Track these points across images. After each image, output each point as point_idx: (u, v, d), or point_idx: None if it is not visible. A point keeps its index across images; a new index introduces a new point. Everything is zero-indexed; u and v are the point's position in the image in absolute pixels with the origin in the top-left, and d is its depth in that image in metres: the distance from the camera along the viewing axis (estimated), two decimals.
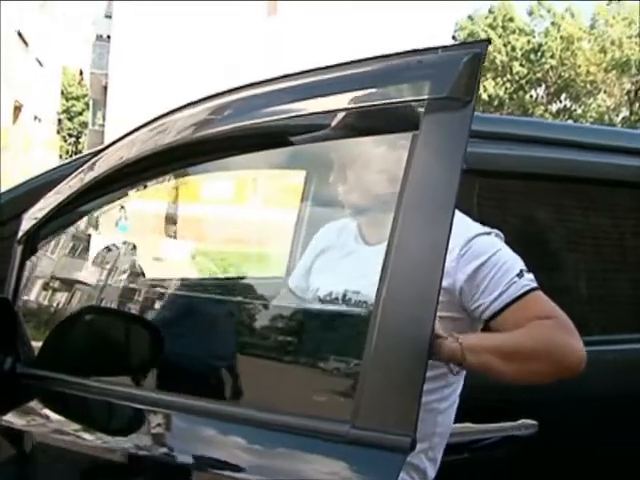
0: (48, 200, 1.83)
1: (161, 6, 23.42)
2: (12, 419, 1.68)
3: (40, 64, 28.01)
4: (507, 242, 1.64)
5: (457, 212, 1.32)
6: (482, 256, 1.56)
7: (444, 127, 1.23)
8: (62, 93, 40.21)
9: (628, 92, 34.76)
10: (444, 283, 1.26)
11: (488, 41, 1.20)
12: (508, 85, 36.05)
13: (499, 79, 35.68)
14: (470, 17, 37.16)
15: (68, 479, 1.63)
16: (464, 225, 1.60)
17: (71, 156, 29.47)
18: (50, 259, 2.07)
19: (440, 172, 1.23)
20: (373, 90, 1.34)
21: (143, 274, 2.42)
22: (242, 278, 3.30)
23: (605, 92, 35.05)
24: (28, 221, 1.84)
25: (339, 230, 1.83)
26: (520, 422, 2.05)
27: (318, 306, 1.70)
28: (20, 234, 1.84)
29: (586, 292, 2.39)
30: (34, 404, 1.76)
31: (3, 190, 2.20)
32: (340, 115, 1.58)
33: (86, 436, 1.62)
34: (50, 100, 31.70)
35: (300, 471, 1.25)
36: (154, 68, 23.64)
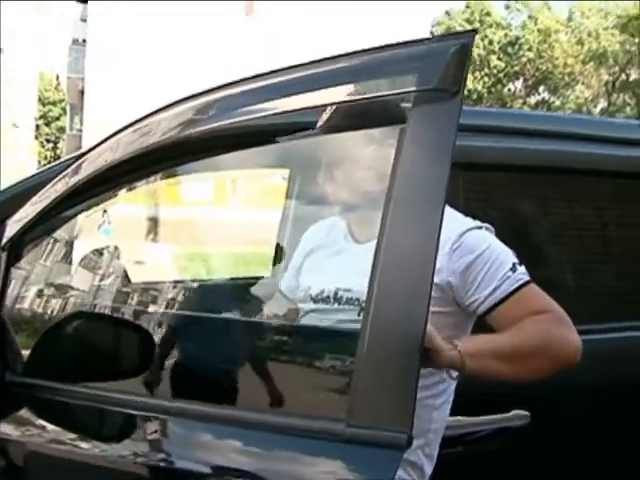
0: (32, 205, 1.81)
1: (136, 8, 23.30)
2: (2, 428, 1.66)
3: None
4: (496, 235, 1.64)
5: (447, 207, 1.31)
6: (475, 251, 1.56)
7: (432, 119, 1.22)
8: (39, 99, 39.90)
9: (606, 83, 35.00)
10: (436, 279, 1.26)
11: (475, 31, 1.19)
12: (486, 79, 36.18)
13: (477, 73, 35.76)
14: (447, 12, 37.23)
15: None
16: (455, 220, 1.60)
17: (50, 162, 29.23)
18: (36, 265, 2.04)
19: (429, 165, 1.21)
20: (359, 84, 1.33)
21: (129, 278, 2.40)
22: (235, 279, 3.28)
23: (583, 84, 35.28)
24: (12, 227, 1.82)
25: (328, 229, 1.81)
26: (512, 413, 2.05)
27: (311, 306, 1.69)
28: (4, 240, 1.81)
29: (572, 283, 2.39)
30: (24, 412, 1.74)
31: None
32: (326, 110, 1.57)
33: (78, 444, 1.61)
34: (27, 105, 31.42)
35: (296, 472, 1.24)
36: (131, 71, 23.52)
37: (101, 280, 2.31)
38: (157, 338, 1.79)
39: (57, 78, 43.35)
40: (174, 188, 3.45)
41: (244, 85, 1.48)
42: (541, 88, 37.08)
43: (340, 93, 1.36)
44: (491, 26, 36.09)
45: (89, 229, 2.44)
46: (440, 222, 1.17)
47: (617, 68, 34.34)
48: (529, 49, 35.52)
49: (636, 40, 32.70)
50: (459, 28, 34.52)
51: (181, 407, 1.41)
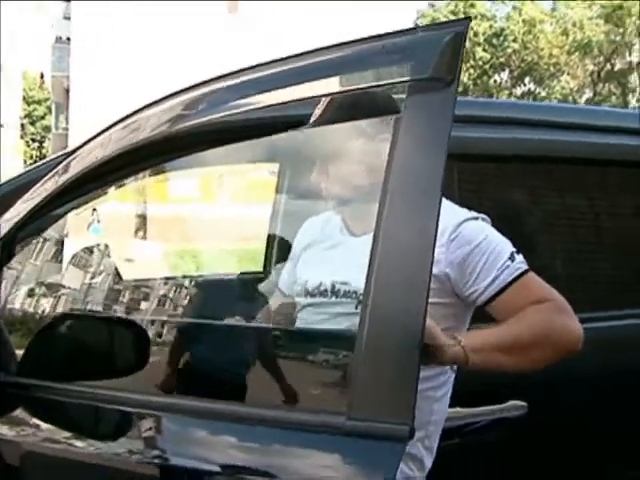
0: (23, 204, 1.79)
1: (120, 6, 23.18)
2: None
3: None
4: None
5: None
6: (472, 242, 1.56)
7: (428, 108, 1.21)
8: (23, 98, 39.68)
9: (591, 73, 35.08)
10: (434, 270, 1.25)
11: (469, 19, 1.18)
12: (472, 71, 36.17)
13: (462, 65, 35.65)
14: (432, 4, 37.21)
15: None
16: (451, 210, 1.59)
17: (36, 161, 29.11)
18: (29, 264, 2.03)
19: (425, 155, 1.20)
20: (353, 74, 1.32)
21: (120, 275, 2.39)
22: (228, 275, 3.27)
23: (568, 74, 35.33)
24: (4, 226, 1.80)
25: (323, 223, 1.80)
26: (509, 404, 2.05)
27: (308, 300, 1.68)
28: None
29: (564, 271, 2.39)
30: (19, 412, 1.72)
31: None
32: (319, 103, 1.56)
33: (73, 442, 1.60)
34: (12, 105, 31.25)
35: (298, 466, 1.23)
36: (116, 68, 23.43)
37: (92, 278, 2.30)
38: (152, 335, 1.77)
39: (41, 77, 43.11)
40: (163, 185, 3.44)
41: (235, 78, 1.47)
42: (527, 79, 37.12)
43: (333, 84, 1.34)
44: (476, 17, 36.05)
45: (79, 227, 2.43)
46: (437, 212, 1.16)
47: (602, 58, 34.42)
48: (514, 40, 35.53)
49: (620, 30, 32.80)
50: (444, 20, 34.51)
51: (179, 403, 1.40)
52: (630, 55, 34.31)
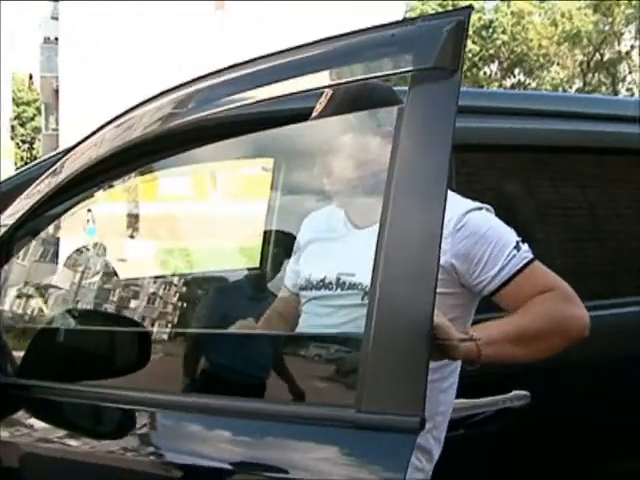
0: (19, 205, 1.77)
1: (108, 6, 23.11)
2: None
3: None
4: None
5: None
6: (478, 232, 1.56)
7: (431, 98, 1.20)
8: (12, 99, 39.53)
9: (581, 63, 35.14)
10: (440, 260, 1.24)
11: (471, 8, 1.17)
12: None
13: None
14: None
15: None
16: (454, 201, 1.58)
17: (26, 163, 29.01)
18: (25, 265, 2.01)
19: (430, 145, 1.19)
20: (355, 65, 1.30)
21: (116, 274, 2.39)
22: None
23: (558, 64, 35.39)
24: (1, 226, 1.79)
25: (327, 217, 1.79)
26: (512, 394, 2.05)
27: (313, 293, 1.67)
28: None
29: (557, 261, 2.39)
30: (20, 414, 1.71)
31: None
32: (321, 94, 1.55)
33: (72, 442, 1.60)
34: (2, 106, 31.14)
35: (308, 461, 1.23)
36: (105, 68, 23.35)
37: (89, 278, 2.29)
38: (156, 334, 1.76)
39: (30, 77, 42.95)
40: (154, 183, 3.42)
41: (233, 72, 1.45)
42: (516, 70, 37.16)
43: (335, 76, 1.33)
44: None
45: (74, 228, 2.41)
46: (444, 203, 1.15)
47: (591, 48, 34.49)
48: (503, 32, 35.54)
49: (609, 19, 32.86)
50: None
51: (187, 401, 1.40)
52: (619, 44, 34.40)
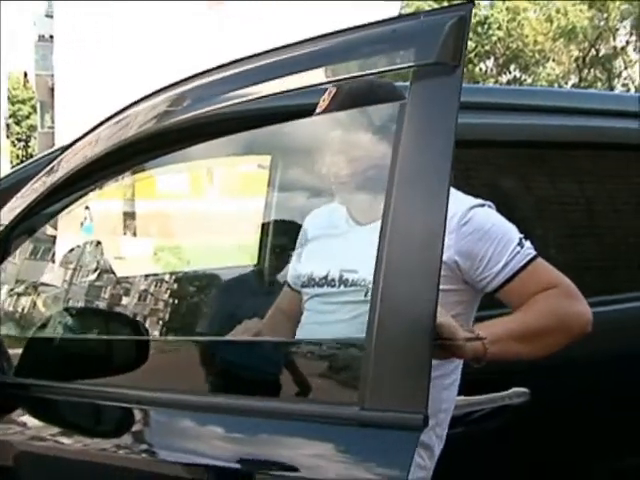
0: (16, 203, 1.76)
1: (103, 4, 23.07)
2: None
3: None
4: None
5: None
6: (481, 229, 1.56)
7: (434, 94, 1.19)
8: (7, 97, 39.48)
9: (576, 59, 35.15)
10: (444, 257, 1.23)
11: (472, 2, 1.16)
12: None
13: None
14: None
15: None
16: (457, 198, 1.58)
17: (22, 161, 28.97)
18: (23, 263, 2.00)
19: (433, 141, 1.18)
20: (358, 61, 1.29)
21: (114, 272, 2.38)
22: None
23: (554, 60, 35.40)
24: None
25: (328, 214, 1.79)
26: (511, 391, 2.04)
27: (315, 290, 1.67)
28: None
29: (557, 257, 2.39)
30: (18, 413, 1.70)
31: None
32: (323, 90, 1.54)
33: (70, 441, 1.59)
34: None
35: (312, 458, 1.22)
36: (100, 66, 23.29)
37: (86, 275, 2.28)
38: (153, 331, 1.76)
39: (25, 76, 42.88)
40: (152, 181, 3.41)
41: (234, 68, 1.44)
42: (512, 66, 37.16)
43: (337, 72, 1.33)
44: None
45: (71, 226, 2.41)
46: (446, 198, 1.14)
47: (587, 44, 34.50)
48: (499, 28, 35.53)
49: (604, 15, 32.87)
50: (428, 9, 34.44)
51: (191, 399, 1.38)
52: (614, 40, 34.41)
